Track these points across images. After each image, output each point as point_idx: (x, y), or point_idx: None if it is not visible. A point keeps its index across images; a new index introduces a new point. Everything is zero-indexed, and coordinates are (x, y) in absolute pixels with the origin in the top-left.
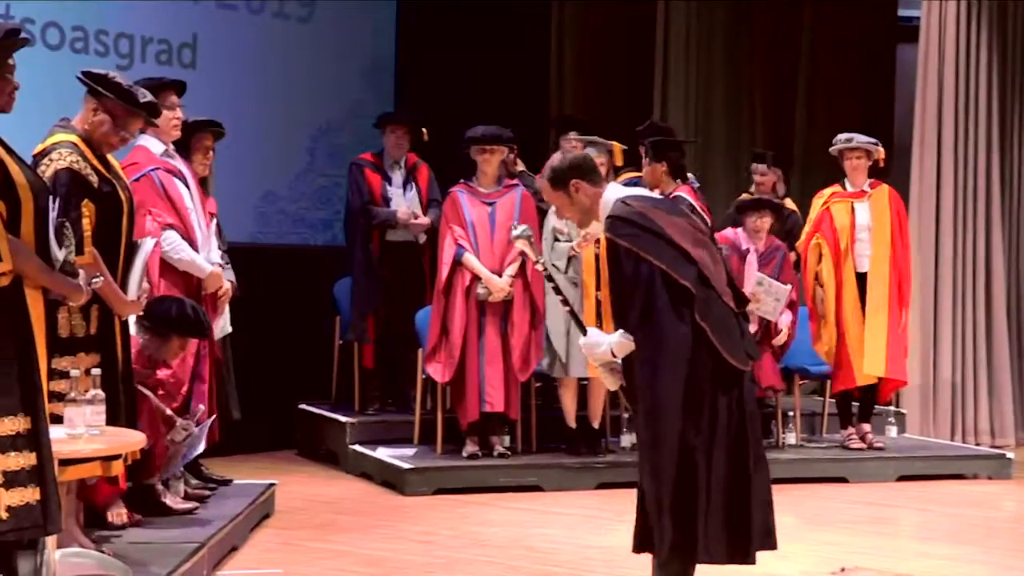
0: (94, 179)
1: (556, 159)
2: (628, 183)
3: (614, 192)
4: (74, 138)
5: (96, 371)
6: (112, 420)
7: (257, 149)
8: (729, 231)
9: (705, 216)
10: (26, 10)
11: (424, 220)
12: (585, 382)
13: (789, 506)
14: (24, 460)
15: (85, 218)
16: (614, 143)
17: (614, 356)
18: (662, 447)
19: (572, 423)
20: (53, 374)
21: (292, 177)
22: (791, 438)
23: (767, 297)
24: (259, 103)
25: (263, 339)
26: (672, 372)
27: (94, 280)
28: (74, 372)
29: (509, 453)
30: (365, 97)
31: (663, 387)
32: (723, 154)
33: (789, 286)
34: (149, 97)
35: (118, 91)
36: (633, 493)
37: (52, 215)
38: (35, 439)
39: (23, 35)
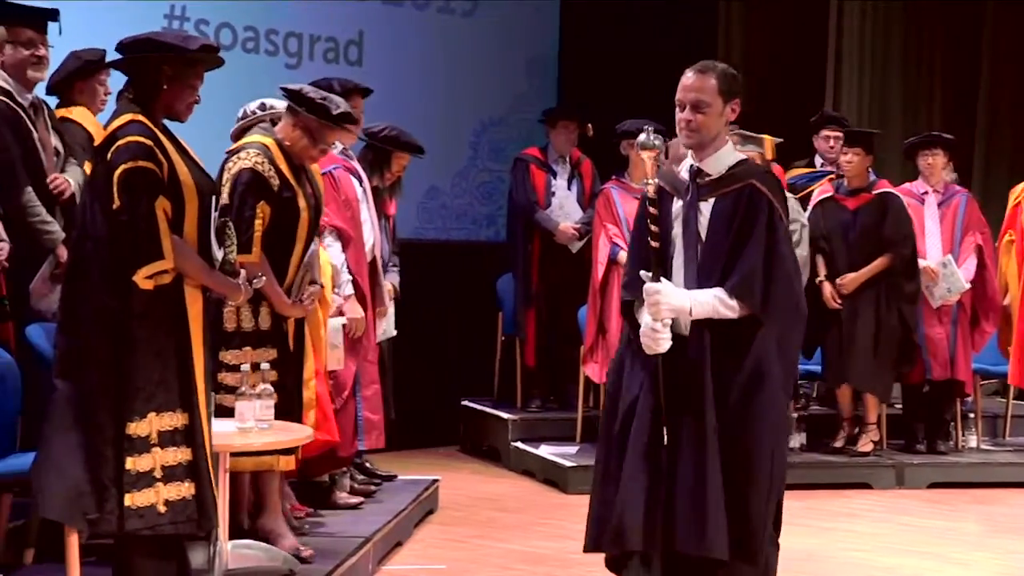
0: (275, 183)
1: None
2: (799, 180)
3: None
4: (269, 141)
5: (265, 365)
6: (285, 415)
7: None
8: (907, 184)
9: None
10: (201, 11)
11: (577, 242)
12: None
13: (971, 512)
14: (181, 455)
15: (258, 219)
16: (766, 137)
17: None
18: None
19: None
20: (221, 367)
21: (455, 172)
22: (972, 441)
23: (943, 282)
24: (423, 98)
25: (427, 335)
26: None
27: (255, 280)
28: (244, 367)
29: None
30: (528, 91)
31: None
32: (900, 151)
33: (968, 286)
34: (343, 108)
35: (311, 106)
36: (805, 495)
37: (215, 215)
38: (191, 435)
39: (214, 54)
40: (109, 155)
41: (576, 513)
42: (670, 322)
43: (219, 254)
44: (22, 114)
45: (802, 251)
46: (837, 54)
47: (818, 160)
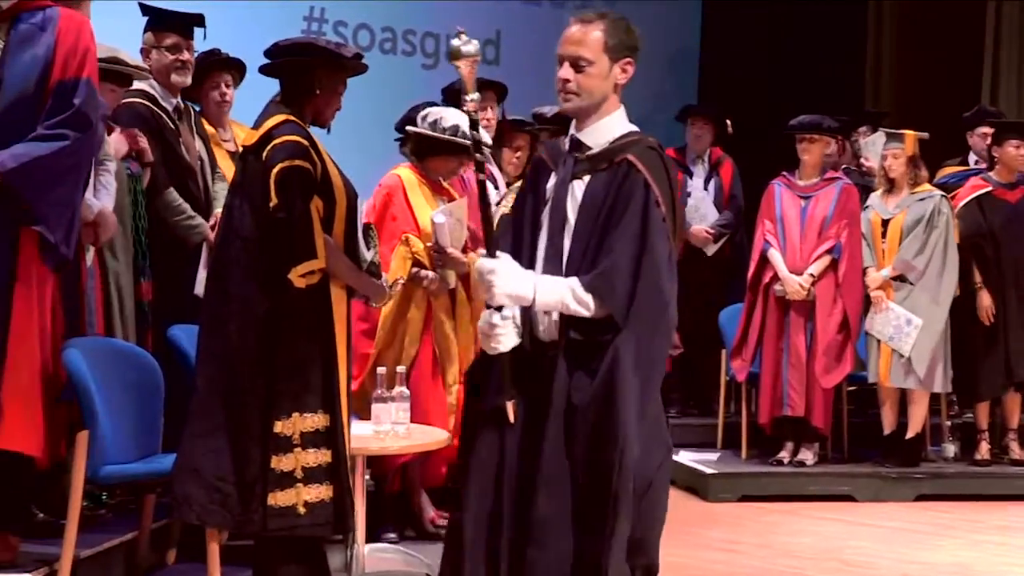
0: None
1: None
2: (951, 178)
3: None
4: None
5: (401, 368)
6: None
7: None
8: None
9: None
10: (340, 12)
11: (712, 245)
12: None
13: None
14: (321, 457)
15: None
16: (908, 132)
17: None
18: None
19: (888, 430)
20: None
21: None
22: None
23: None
24: None
25: None
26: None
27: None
28: (380, 369)
29: (813, 460)
30: (668, 89)
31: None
32: None
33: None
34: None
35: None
36: (957, 506)
37: (360, 217)
38: (332, 437)
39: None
40: (265, 154)
41: (718, 522)
42: (512, 314)
43: (368, 255)
44: (166, 119)
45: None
46: (995, 48)
47: (972, 158)
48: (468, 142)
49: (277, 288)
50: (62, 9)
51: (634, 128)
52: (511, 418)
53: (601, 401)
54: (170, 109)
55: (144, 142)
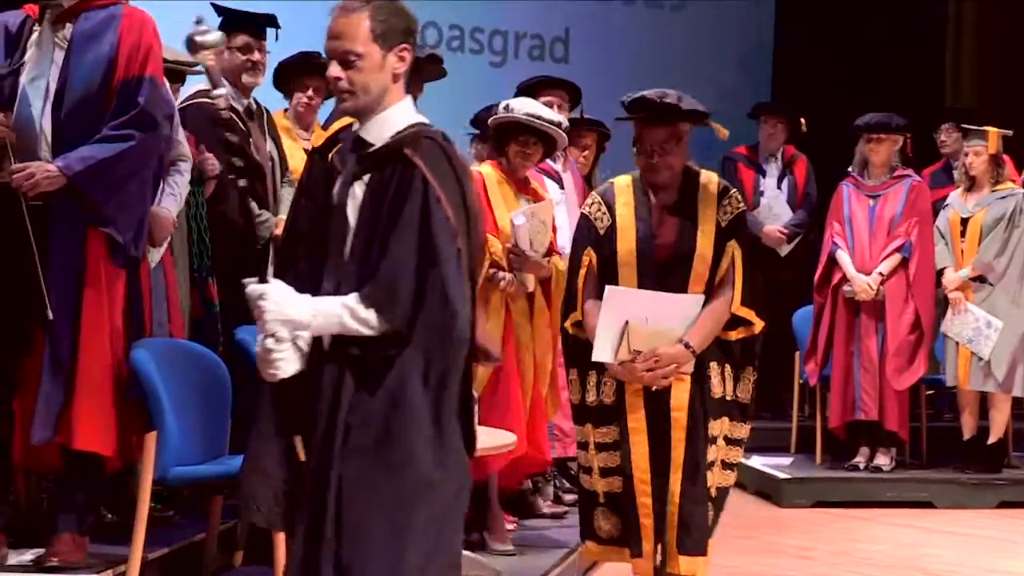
0: None
1: None
2: None
3: None
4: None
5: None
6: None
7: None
8: None
9: None
10: None
11: (786, 245)
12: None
13: None
14: None
15: None
16: (991, 129)
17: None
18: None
19: (969, 435)
20: None
21: None
22: None
23: None
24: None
25: None
26: None
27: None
28: None
29: (890, 465)
30: (740, 86)
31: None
32: None
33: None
34: None
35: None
36: None
37: None
38: None
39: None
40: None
41: (791, 528)
42: (291, 337)
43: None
44: (236, 119)
45: None
46: None
47: None
48: (549, 125)
49: None
50: (126, 7)
51: (421, 119)
52: (301, 455)
53: (380, 436)
54: (240, 110)
55: (209, 157)
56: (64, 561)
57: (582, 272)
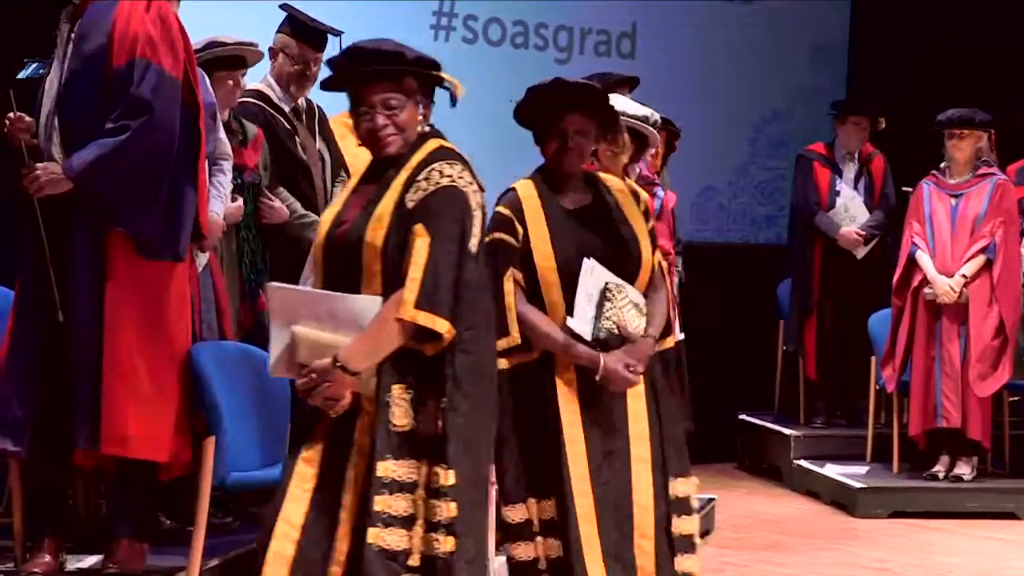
0: None
1: None
2: None
3: None
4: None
5: None
6: None
7: (696, 140)
8: None
9: None
10: (470, 7)
11: (862, 247)
12: None
13: None
14: None
15: None
16: None
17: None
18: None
19: None
20: None
21: (732, 170)
22: None
23: None
24: (698, 91)
25: (701, 343)
26: None
27: None
28: None
29: (971, 475)
30: (814, 82)
31: None
32: None
33: None
34: None
35: None
36: None
37: None
38: None
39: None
40: None
41: (867, 539)
42: None
43: None
44: (280, 118)
45: None
46: None
47: None
48: (635, 121)
49: None
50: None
51: None
52: None
53: None
54: (286, 110)
55: (279, 206)
56: (122, 568)
57: None
